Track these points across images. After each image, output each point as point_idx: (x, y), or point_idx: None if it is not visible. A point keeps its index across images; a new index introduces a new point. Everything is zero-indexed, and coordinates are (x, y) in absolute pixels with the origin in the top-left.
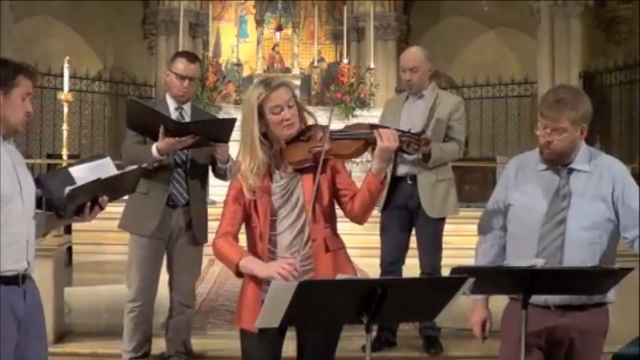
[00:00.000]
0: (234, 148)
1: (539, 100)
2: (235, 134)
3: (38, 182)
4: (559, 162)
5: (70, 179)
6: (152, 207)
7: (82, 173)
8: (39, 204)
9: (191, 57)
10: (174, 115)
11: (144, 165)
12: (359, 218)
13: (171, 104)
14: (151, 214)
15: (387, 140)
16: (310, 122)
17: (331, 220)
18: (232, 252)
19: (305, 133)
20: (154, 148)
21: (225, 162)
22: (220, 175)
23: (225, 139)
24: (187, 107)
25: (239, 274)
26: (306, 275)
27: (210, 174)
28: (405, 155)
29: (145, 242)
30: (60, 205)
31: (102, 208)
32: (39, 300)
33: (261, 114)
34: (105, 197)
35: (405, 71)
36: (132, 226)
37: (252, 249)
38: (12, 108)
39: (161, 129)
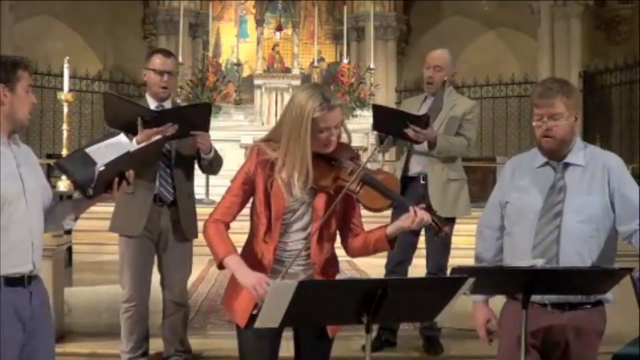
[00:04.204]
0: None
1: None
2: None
3: (59, 167)
4: (559, 152)
5: (89, 159)
6: (139, 207)
7: (99, 152)
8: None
9: (167, 52)
10: None
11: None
12: (353, 255)
13: (151, 103)
14: (138, 214)
15: (418, 222)
16: (343, 139)
17: (332, 243)
18: (220, 245)
19: (337, 155)
20: (134, 141)
21: (207, 152)
22: (205, 167)
23: (204, 126)
24: (167, 104)
25: (220, 266)
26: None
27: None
28: (416, 146)
29: (134, 242)
30: (86, 186)
31: (129, 183)
32: (46, 300)
33: None
34: (131, 172)
35: (429, 68)
36: (121, 227)
37: (252, 245)
38: (19, 101)
39: (139, 121)
